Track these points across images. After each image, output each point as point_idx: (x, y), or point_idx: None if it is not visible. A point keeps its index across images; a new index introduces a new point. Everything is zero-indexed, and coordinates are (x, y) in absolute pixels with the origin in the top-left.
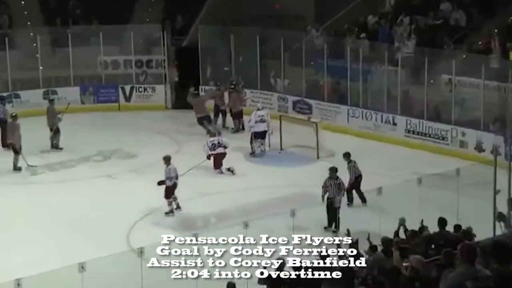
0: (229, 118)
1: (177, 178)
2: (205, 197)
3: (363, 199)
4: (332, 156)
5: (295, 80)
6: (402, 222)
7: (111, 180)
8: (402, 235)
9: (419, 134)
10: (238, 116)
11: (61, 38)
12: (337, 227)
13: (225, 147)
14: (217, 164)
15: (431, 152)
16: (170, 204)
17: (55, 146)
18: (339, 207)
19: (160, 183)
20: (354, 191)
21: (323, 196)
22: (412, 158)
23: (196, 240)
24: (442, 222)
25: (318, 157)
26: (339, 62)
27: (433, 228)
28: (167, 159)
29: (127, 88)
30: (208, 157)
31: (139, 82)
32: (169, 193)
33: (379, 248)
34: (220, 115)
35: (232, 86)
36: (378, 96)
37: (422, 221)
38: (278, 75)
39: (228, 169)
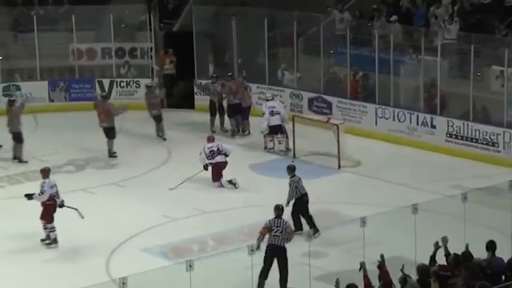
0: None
1: (58, 196)
2: (201, 215)
3: (313, 227)
4: (357, 166)
5: (311, 73)
6: (444, 243)
7: (87, 195)
8: (441, 259)
9: (463, 139)
10: (236, 113)
11: (25, 21)
12: None
13: (225, 155)
14: (216, 176)
15: (477, 161)
16: (47, 229)
17: (17, 158)
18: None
19: (28, 196)
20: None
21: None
22: (455, 168)
23: (191, 268)
24: (491, 246)
25: (339, 167)
26: (365, 50)
27: (480, 253)
28: (44, 172)
29: (106, 82)
30: (205, 167)
31: (121, 75)
32: (47, 214)
33: (414, 278)
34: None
35: (230, 75)
36: (413, 92)
37: (467, 245)
38: (290, 66)
39: (230, 182)
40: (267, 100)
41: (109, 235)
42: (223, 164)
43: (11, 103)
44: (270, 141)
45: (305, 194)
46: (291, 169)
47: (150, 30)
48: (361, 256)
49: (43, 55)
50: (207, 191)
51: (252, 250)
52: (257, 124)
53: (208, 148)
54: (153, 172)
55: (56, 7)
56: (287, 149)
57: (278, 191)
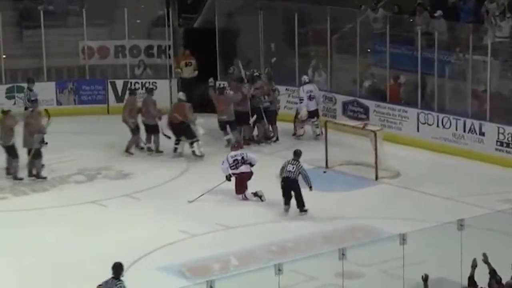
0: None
1: None
2: (224, 231)
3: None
4: (396, 177)
5: (346, 74)
6: (485, 259)
7: (98, 208)
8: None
9: None
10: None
11: (31, 17)
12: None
13: (251, 165)
14: (240, 187)
15: None
16: None
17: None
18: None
19: None
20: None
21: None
22: (505, 180)
23: None
24: None
25: (377, 178)
26: (406, 49)
27: None
28: None
29: (119, 84)
30: (228, 178)
31: (135, 76)
32: None
33: None
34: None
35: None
36: (460, 96)
37: None
38: (322, 66)
39: (255, 194)
40: (304, 84)
41: (121, 252)
42: (248, 175)
43: (4, 114)
44: (302, 128)
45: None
46: (298, 154)
47: (168, 26)
48: (400, 277)
49: (51, 54)
50: (230, 204)
51: (279, 270)
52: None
53: (232, 157)
54: (171, 183)
55: (65, 1)
56: (322, 132)
57: (309, 204)
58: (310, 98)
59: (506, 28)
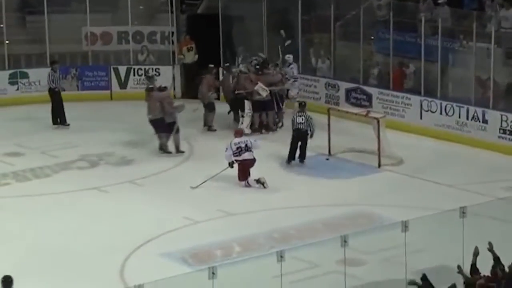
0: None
1: None
2: (226, 218)
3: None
4: (399, 165)
5: (349, 61)
6: (490, 247)
7: (100, 194)
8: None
9: None
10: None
11: (34, 2)
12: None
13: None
14: (243, 174)
15: None
16: None
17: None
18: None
19: None
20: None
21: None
22: (508, 168)
23: (214, 276)
24: None
25: (379, 166)
26: (410, 36)
27: None
28: None
29: (122, 70)
30: (231, 165)
31: (138, 62)
32: None
33: None
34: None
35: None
36: (463, 83)
37: None
38: (325, 53)
39: (258, 181)
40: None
41: (124, 239)
42: (251, 162)
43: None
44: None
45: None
46: (304, 105)
47: (172, 12)
48: (402, 265)
49: (54, 40)
50: (233, 191)
51: (281, 257)
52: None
53: (235, 144)
54: (173, 170)
55: None
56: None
57: (312, 190)
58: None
59: (510, 16)
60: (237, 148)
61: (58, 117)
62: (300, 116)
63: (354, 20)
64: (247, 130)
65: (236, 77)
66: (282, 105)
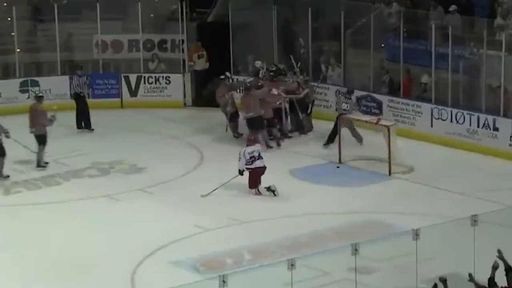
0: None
1: None
2: (237, 226)
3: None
4: (409, 173)
5: (360, 69)
6: (501, 256)
7: (111, 202)
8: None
9: None
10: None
11: (45, 11)
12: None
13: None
14: (254, 182)
15: None
16: None
17: (40, 164)
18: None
19: None
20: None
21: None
22: None
23: (225, 284)
24: None
25: (390, 174)
26: (421, 44)
27: None
28: None
29: (133, 78)
30: (241, 173)
31: (149, 70)
32: None
33: None
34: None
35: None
36: (474, 91)
37: None
38: (335, 61)
39: (268, 189)
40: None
41: (134, 247)
42: (262, 169)
43: (38, 99)
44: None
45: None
46: (351, 92)
47: (182, 20)
48: (413, 273)
49: (64, 47)
50: (244, 199)
51: (292, 265)
52: None
53: (249, 153)
54: (184, 178)
55: None
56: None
57: (322, 199)
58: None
59: None
60: (251, 158)
61: (83, 122)
62: (346, 103)
63: (365, 28)
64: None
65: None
66: (305, 112)
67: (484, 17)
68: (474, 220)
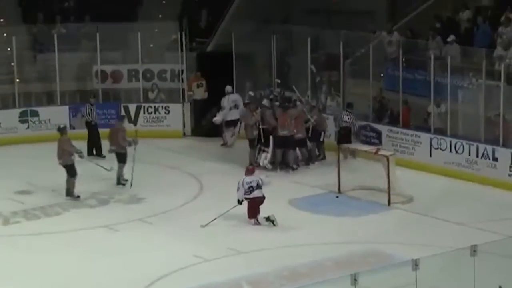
0: None
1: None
2: (236, 256)
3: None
4: (409, 203)
5: (359, 98)
6: None
7: (110, 232)
8: None
9: None
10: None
11: (44, 41)
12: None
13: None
14: (253, 212)
15: None
16: None
17: (71, 195)
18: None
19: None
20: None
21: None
22: None
23: None
24: None
25: (389, 204)
26: (419, 74)
27: None
28: None
29: (132, 108)
30: (240, 202)
31: (148, 100)
32: None
33: None
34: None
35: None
36: (473, 120)
37: None
38: (335, 91)
39: (267, 219)
40: (229, 94)
41: (133, 277)
42: (261, 199)
43: (63, 131)
44: (232, 136)
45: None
46: (351, 106)
47: (181, 50)
48: None
49: (64, 77)
50: (243, 230)
51: None
52: None
53: (247, 183)
54: (183, 207)
55: (79, 25)
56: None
57: (321, 229)
58: (236, 107)
59: None
60: (249, 188)
61: (94, 148)
62: (347, 115)
63: (364, 58)
64: (268, 166)
65: (260, 113)
66: (317, 141)
67: (483, 47)
68: (473, 250)
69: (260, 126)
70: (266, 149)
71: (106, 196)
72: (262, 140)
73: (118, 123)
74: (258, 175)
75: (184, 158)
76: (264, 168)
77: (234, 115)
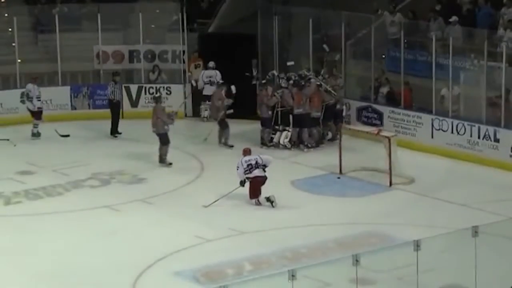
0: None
1: None
2: (238, 236)
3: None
4: (410, 184)
5: (360, 80)
6: None
7: (112, 212)
8: None
9: None
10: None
11: (46, 21)
12: None
13: (264, 167)
14: (254, 192)
15: None
16: None
17: (164, 161)
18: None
19: None
20: None
21: None
22: None
23: None
24: None
25: (391, 184)
26: (421, 55)
27: None
28: None
29: (133, 88)
30: (243, 184)
31: (150, 81)
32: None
33: None
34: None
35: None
36: (474, 102)
37: None
38: (336, 72)
39: (268, 199)
40: (207, 69)
41: (135, 258)
42: (262, 179)
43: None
44: (206, 110)
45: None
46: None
47: (183, 31)
48: (414, 284)
49: (65, 58)
50: (245, 210)
51: (293, 276)
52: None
53: (246, 161)
54: (185, 188)
55: (80, 5)
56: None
57: (323, 210)
58: (210, 83)
59: None
60: (248, 166)
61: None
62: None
63: (365, 39)
64: (288, 145)
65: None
66: (340, 119)
67: (485, 28)
68: (475, 231)
69: (278, 108)
70: (287, 128)
71: (107, 177)
72: (279, 121)
73: (156, 105)
74: (258, 155)
75: (185, 138)
76: (285, 147)
77: (207, 90)
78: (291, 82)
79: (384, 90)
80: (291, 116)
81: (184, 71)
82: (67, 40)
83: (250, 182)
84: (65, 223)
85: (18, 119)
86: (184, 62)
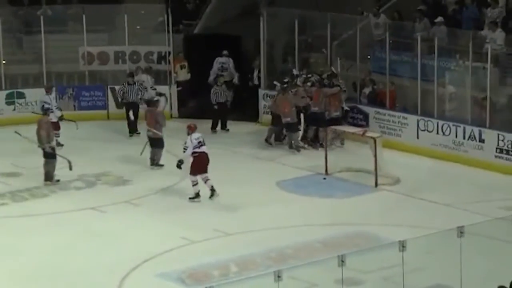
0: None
1: None
2: (223, 238)
3: None
4: (396, 184)
5: (346, 80)
6: None
7: (97, 214)
8: None
9: None
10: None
11: (31, 22)
12: None
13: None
14: (198, 168)
15: None
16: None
17: (154, 163)
18: None
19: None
20: None
21: None
22: (505, 188)
23: None
24: None
25: (376, 185)
26: (406, 55)
27: None
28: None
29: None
30: (179, 165)
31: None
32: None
33: None
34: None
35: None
36: (460, 102)
37: None
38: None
39: (212, 188)
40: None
41: (120, 259)
42: (207, 156)
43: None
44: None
45: None
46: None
47: (168, 32)
48: (400, 284)
49: (51, 59)
50: (230, 211)
51: (279, 277)
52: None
53: (196, 139)
54: (170, 189)
55: (65, 6)
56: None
57: (308, 210)
58: (223, 69)
59: (500, 37)
60: (198, 143)
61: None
62: None
63: (351, 40)
64: (300, 143)
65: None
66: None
67: (471, 29)
68: (460, 231)
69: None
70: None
71: (92, 178)
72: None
73: (155, 109)
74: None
75: (171, 140)
76: (297, 147)
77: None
78: (313, 80)
79: (367, 90)
80: (301, 115)
81: (170, 72)
82: (52, 41)
83: (196, 157)
84: (50, 224)
85: (4, 120)
86: (169, 63)
